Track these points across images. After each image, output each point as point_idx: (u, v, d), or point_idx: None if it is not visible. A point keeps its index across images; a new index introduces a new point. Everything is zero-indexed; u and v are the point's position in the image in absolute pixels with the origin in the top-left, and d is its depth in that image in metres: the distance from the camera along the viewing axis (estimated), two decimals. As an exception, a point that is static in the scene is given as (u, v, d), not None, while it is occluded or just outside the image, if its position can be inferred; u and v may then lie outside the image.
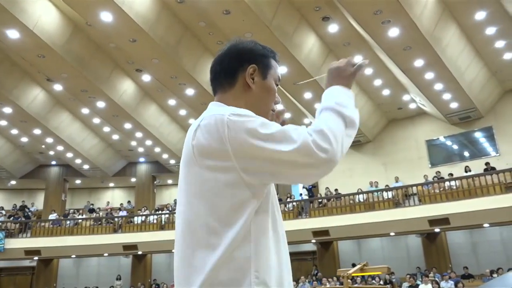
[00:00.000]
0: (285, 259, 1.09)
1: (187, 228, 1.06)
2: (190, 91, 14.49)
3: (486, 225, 13.26)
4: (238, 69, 1.19)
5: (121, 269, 18.70)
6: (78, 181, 22.24)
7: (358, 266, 8.45)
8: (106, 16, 11.15)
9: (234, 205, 1.01)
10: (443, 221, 12.71)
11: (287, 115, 16.81)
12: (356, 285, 11.56)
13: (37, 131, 16.90)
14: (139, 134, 17.40)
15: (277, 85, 1.25)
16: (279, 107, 1.30)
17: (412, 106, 16.17)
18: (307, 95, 14.32)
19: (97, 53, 13.27)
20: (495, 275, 11.62)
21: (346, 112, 1.08)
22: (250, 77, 1.18)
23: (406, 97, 15.61)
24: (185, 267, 1.03)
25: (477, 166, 14.37)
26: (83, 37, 12.67)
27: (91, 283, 18.45)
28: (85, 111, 16.27)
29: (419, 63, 12.49)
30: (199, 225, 1.03)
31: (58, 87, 14.59)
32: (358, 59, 1.25)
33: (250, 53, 1.21)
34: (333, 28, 12.26)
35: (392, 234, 14.56)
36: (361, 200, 15.02)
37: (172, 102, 15.79)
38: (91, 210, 20.28)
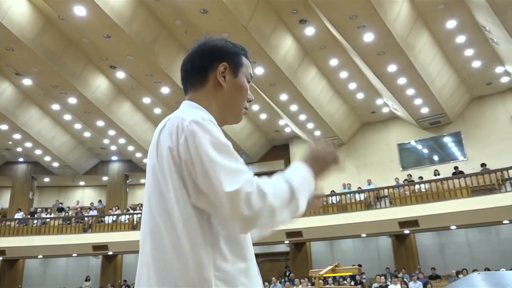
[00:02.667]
0: (252, 260, 1.09)
1: (148, 228, 1.06)
2: (165, 90, 14.31)
3: (453, 227, 13.68)
4: (208, 67, 1.18)
5: (90, 269, 18.30)
6: (47, 179, 21.60)
7: (329, 267, 8.55)
8: (79, 11, 10.87)
9: (195, 204, 1.01)
10: (412, 223, 13.04)
11: (263, 116, 16.86)
12: (327, 286, 11.69)
13: (4, 127, 16.31)
14: (112, 132, 17.06)
15: (249, 82, 1.24)
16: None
17: (385, 110, 16.51)
18: (283, 97, 14.39)
19: (69, 48, 12.92)
20: (460, 275, 12.01)
21: (299, 198, 1.04)
22: (221, 75, 1.18)
23: (379, 101, 15.93)
24: (143, 267, 1.04)
25: (446, 170, 14.81)
26: (55, 31, 12.31)
27: (59, 284, 17.95)
28: (55, 107, 15.82)
29: (392, 68, 12.78)
30: (159, 225, 1.03)
31: (27, 81, 14.12)
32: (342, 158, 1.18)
33: (220, 51, 1.20)
34: (309, 31, 12.38)
35: (363, 235, 14.82)
36: (334, 201, 15.22)
37: (147, 100, 15.56)
38: (60, 209, 19.72)
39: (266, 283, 13.60)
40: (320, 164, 1.13)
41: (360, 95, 15.43)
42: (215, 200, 0.97)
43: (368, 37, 11.59)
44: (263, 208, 0.96)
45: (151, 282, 1.01)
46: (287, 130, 17.87)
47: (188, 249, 0.99)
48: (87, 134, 18.01)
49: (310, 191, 1.09)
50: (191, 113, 1.05)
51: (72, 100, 14.78)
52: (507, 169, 12.70)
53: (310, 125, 16.22)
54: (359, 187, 15.73)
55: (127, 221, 16.78)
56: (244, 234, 1.03)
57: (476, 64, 13.57)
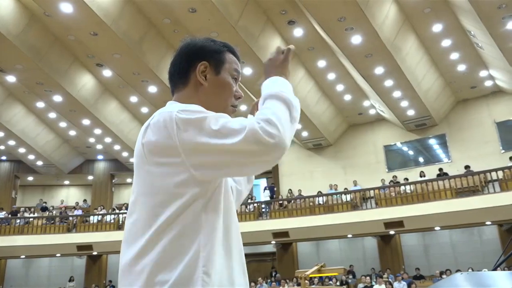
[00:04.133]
0: (237, 259, 1.08)
1: (133, 227, 1.06)
2: (153, 89, 14.21)
3: (437, 228, 13.87)
4: (189, 68, 1.19)
5: (74, 270, 18.06)
6: (30, 178, 21.25)
7: (315, 267, 8.60)
8: (66, 7, 10.73)
9: (182, 202, 1.00)
10: (397, 223, 13.19)
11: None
12: (313, 286, 11.75)
13: (-14, 124, 16.01)
14: (98, 131, 16.86)
15: (235, 78, 1.24)
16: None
17: (372, 112, 16.66)
18: (271, 97, 14.40)
19: (55, 45, 12.73)
20: (444, 276, 12.18)
21: (288, 98, 1.07)
22: (202, 74, 1.18)
23: (366, 103, 16.07)
24: (126, 269, 1.03)
25: (430, 172, 15.01)
26: (41, 28, 12.11)
27: (42, 285, 17.68)
28: (40, 104, 15.57)
29: (379, 70, 12.90)
30: (143, 223, 1.02)
31: (11, 78, 13.86)
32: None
33: (200, 51, 1.20)
34: (298, 32, 12.42)
35: (349, 236, 14.94)
36: (321, 202, 15.30)
37: (134, 99, 15.42)
38: (44, 209, 19.41)
39: (252, 284, 13.59)
40: (275, 64, 1.19)
41: (347, 97, 15.55)
42: (232, 156, 0.97)
43: (356, 39, 11.69)
44: (279, 129, 0.98)
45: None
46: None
47: (175, 249, 0.98)
48: (72, 133, 17.77)
49: (288, 85, 1.14)
50: (175, 106, 1.06)
51: (57, 98, 14.57)
52: (490, 171, 12.94)
53: (298, 126, 16.25)
54: (346, 188, 15.84)
55: (112, 221, 16.61)
56: (275, 162, 1.01)
57: (461, 67, 13.79)
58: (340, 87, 14.95)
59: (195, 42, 1.23)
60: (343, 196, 15.19)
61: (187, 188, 1.01)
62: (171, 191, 1.01)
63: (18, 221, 16.90)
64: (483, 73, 14.13)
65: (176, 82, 1.21)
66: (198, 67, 1.18)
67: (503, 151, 14.56)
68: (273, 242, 15.64)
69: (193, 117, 1.00)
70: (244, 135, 0.95)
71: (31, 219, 17.05)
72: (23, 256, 17.12)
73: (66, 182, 22.67)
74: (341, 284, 13.21)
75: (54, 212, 18.96)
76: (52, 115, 16.26)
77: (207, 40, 1.24)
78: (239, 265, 1.08)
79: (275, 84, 1.13)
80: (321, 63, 13.72)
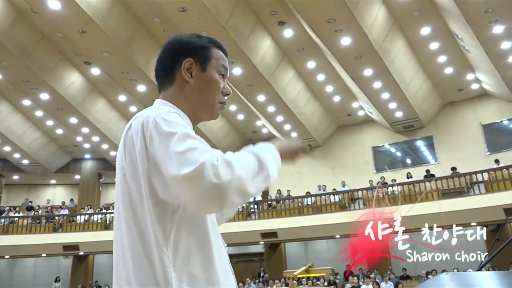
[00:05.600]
0: (218, 260, 1.06)
1: (117, 228, 1.07)
2: (141, 88, 14.10)
3: (423, 228, 14.01)
4: (174, 65, 1.17)
5: (60, 270, 17.82)
6: (16, 177, 20.90)
7: (303, 268, 8.63)
8: (54, 4, 10.60)
9: (156, 204, 0.99)
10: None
11: (241, 117, 16.85)
12: (301, 286, 11.79)
13: (-29, 122, 15.71)
14: (85, 130, 16.67)
15: (223, 75, 1.21)
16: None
17: (361, 113, 16.78)
18: (261, 98, 14.43)
19: (42, 42, 12.55)
20: (430, 276, 12.32)
21: (266, 165, 1.00)
22: (188, 71, 1.16)
23: (355, 104, 16.17)
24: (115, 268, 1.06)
25: (418, 173, 15.17)
26: (28, 24, 11.93)
27: (27, 285, 17.41)
28: (26, 102, 15.34)
29: (368, 72, 13.00)
30: (127, 224, 1.03)
31: (-3, 75, 13.65)
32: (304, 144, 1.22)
33: (185, 47, 1.18)
34: (288, 33, 12.45)
35: (337, 236, 15.01)
36: (309, 203, 15.36)
37: (122, 98, 15.29)
38: (29, 208, 19.13)
39: (240, 284, 13.58)
40: (288, 151, 1.15)
41: (336, 98, 15.63)
42: (178, 185, 0.92)
43: (345, 41, 11.76)
44: (232, 178, 0.91)
45: (121, 281, 1.02)
46: (264, 131, 17.91)
47: (150, 250, 0.98)
48: (59, 131, 17.54)
49: (277, 165, 1.07)
50: (157, 110, 1.04)
51: (44, 96, 14.37)
52: (475, 172, 13.14)
53: (287, 127, 16.31)
54: (334, 189, 15.93)
55: (99, 221, 16.45)
56: (215, 211, 0.97)
57: (449, 70, 13.97)
58: (329, 88, 15.03)
59: (180, 38, 1.20)
60: (332, 197, 15.27)
61: (165, 185, 0.99)
62: (149, 192, 1.01)
63: (2, 220, 16.63)
64: (469, 76, 14.33)
65: (162, 80, 1.19)
66: (183, 64, 1.15)
67: (489, 153, 14.79)
68: (262, 242, 15.64)
69: (166, 129, 0.98)
70: (194, 169, 0.90)
71: (16, 219, 16.80)
72: (7, 256, 16.85)
73: (53, 181, 22.37)
74: (329, 284, 13.27)
75: (40, 211, 18.68)
76: (39, 113, 16.03)
77: (193, 35, 1.21)
78: (222, 266, 1.06)
79: (265, 149, 1.06)
80: (311, 64, 13.77)
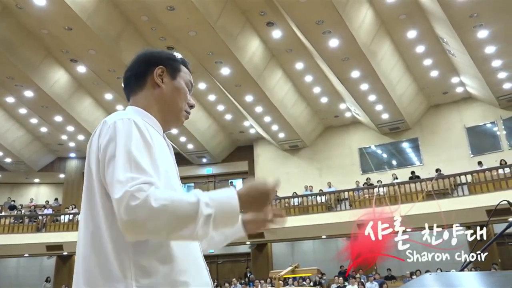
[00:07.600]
0: (182, 255, 1.07)
1: (83, 226, 1.10)
2: (128, 86, 13.97)
3: (408, 229, 14.17)
4: (147, 72, 1.23)
5: (43, 270, 17.56)
6: (-2, 175, 20.51)
7: (289, 268, 8.65)
8: (39, 0, 10.42)
9: (111, 206, 1.00)
10: (361, 224, 13.39)
11: (228, 117, 16.82)
12: (287, 287, 11.82)
13: (-48, 119, 15.37)
14: (70, 128, 16.45)
15: (189, 90, 1.28)
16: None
17: (348, 114, 16.91)
18: (248, 98, 14.42)
19: (27, 39, 12.34)
20: (414, 276, 12.47)
21: (204, 214, 0.96)
22: (159, 77, 1.22)
23: (342, 106, 16.29)
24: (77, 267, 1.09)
25: (403, 174, 15.34)
26: (12, 21, 11.72)
27: (10, 285, 17.10)
28: (10, 100, 15.06)
29: (355, 74, 13.11)
30: (87, 225, 1.07)
31: (-20, 72, 13.37)
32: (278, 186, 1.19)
33: (158, 57, 1.26)
34: (276, 34, 12.48)
35: (324, 236, 15.10)
36: (296, 203, 15.41)
37: (109, 96, 15.13)
38: (12, 207, 18.77)
39: (226, 284, 13.55)
40: (254, 200, 1.10)
41: (324, 99, 15.72)
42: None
43: (333, 42, 11.84)
44: (145, 220, 0.92)
45: (78, 282, 1.06)
46: (252, 131, 17.91)
47: (110, 251, 1.01)
48: (43, 129, 17.27)
49: (230, 219, 1.03)
50: (118, 115, 1.09)
51: (29, 93, 14.13)
52: (459, 174, 13.34)
53: (275, 127, 16.34)
54: (321, 190, 16.01)
55: (84, 221, 16.23)
56: (129, 240, 0.99)
57: (434, 73, 14.17)
58: (317, 90, 15.10)
59: (152, 50, 1.30)
60: (318, 198, 15.34)
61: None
62: (105, 194, 1.05)
63: (-16, 220, 16.29)
64: (454, 80, 14.56)
65: (132, 86, 1.25)
66: (155, 70, 1.22)
67: (472, 155, 15.04)
68: (248, 242, 15.64)
69: (121, 136, 1.02)
70: (124, 191, 0.94)
71: (-2, 218, 16.48)
72: (-11, 256, 16.52)
73: (36, 180, 21.99)
74: (315, 284, 13.33)
75: (23, 211, 18.35)
76: (23, 110, 15.76)
77: (163, 51, 1.32)
78: (183, 266, 1.07)
79: (221, 194, 1.03)
80: (299, 65, 13.82)
